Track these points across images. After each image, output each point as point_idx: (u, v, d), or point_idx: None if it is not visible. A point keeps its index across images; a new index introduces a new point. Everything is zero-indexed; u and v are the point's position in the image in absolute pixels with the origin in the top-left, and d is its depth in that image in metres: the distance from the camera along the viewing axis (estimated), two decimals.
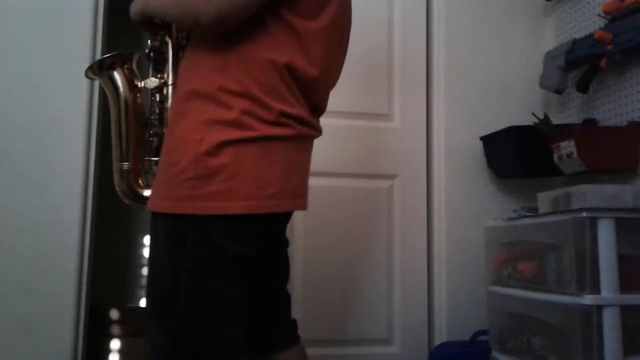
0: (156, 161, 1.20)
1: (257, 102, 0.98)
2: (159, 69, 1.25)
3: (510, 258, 1.77)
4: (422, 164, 2.12)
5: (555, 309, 1.51)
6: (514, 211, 1.89)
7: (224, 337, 0.99)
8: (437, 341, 2.00)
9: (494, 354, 1.77)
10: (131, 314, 2.13)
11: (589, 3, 1.96)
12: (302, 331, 1.93)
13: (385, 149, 2.10)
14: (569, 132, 1.73)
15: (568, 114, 2.08)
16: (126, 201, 1.29)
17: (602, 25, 1.78)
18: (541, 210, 1.71)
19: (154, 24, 1.19)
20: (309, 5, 1.03)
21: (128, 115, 1.26)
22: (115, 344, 2.06)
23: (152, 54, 1.24)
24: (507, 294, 1.73)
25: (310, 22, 1.03)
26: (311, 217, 1.96)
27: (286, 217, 1.19)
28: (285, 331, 1.20)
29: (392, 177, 2.10)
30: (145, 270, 1.08)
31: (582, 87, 1.84)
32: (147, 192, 1.24)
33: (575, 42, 1.87)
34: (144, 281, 2.52)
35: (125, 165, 1.27)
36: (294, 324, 1.23)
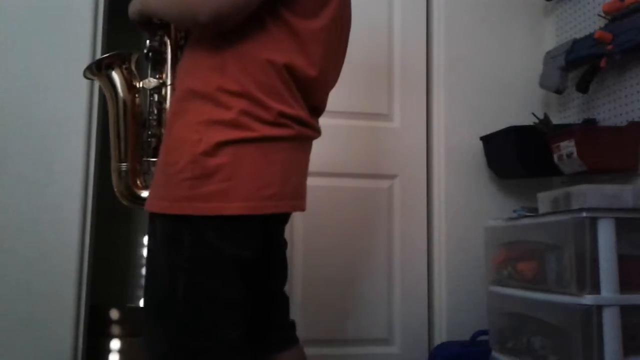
0: (154, 162, 1.19)
1: (256, 102, 0.97)
2: (158, 69, 1.25)
3: (510, 258, 1.77)
4: (422, 164, 2.12)
5: (555, 309, 1.51)
6: (514, 211, 1.89)
7: (222, 338, 0.98)
8: (437, 341, 2.00)
9: (494, 354, 1.77)
10: (131, 314, 2.13)
11: (589, 3, 1.96)
12: (302, 331, 1.93)
13: (385, 149, 2.10)
14: (569, 132, 1.73)
15: (568, 114, 2.08)
16: (124, 202, 1.29)
17: (602, 25, 1.78)
18: (541, 210, 1.71)
19: (153, 24, 1.19)
20: (308, 4, 1.02)
21: (126, 115, 1.26)
22: (115, 344, 2.06)
23: (150, 54, 1.24)
24: (507, 294, 1.73)
25: (310, 22, 1.02)
26: (311, 217, 1.96)
27: (284, 218, 1.18)
28: (283, 332, 1.19)
29: (392, 177, 2.10)
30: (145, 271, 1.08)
31: (582, 87, 1.84)
32: (145, 193, 1.24)
33: (575, 42, 1.87)
34: (143, 281, 2.51)
35: (124, 165, 1.26)
36: (292, 325, 1.22)
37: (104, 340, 2.05)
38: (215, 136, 0.96)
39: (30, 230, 1.76)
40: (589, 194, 1.51)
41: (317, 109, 1.13)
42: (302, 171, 1.09)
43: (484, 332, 1.84)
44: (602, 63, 1.74)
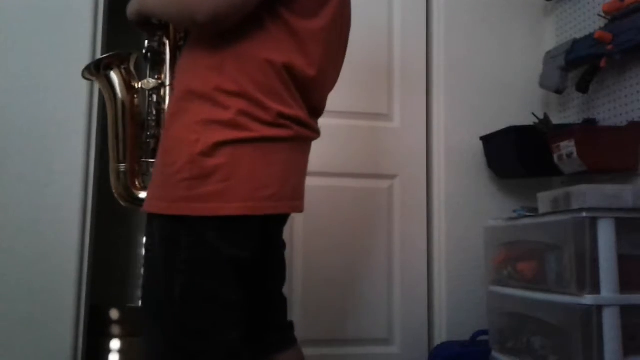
0: (153, 163, 1.19)
1: (254, 102, 0.97)
2: (157, 70, 1.25)
3: (510, 258, 1.77)
4: (422, 164, 2.12)
5: (555, 309, 1.51)
6: (514, 211, 1.89)
7: (220, 338, 0.98)
8: (437, 341, 2.00)
9: (494, 354, 1.76)
10: (131, 314, 2.13)
11: (589, 3, 1.96)
12: (302, 331, 1.93)
13: (385, 149, 2.10)
14: (569, 132, 1.73)
15: (568, 114, 2.08)
16: (122, 203, 1.28)
17: (602, 25, 1.77)
18: (541, 210, 1.71)
19: (152, 25, 1.19)
20: (308, 4, 1.02)
21: (125, 116, 1.26)
22: (115, 344, 2.06)
23: (149, 54, 1.23)
24: (507, 294, 1.73)
25: (309, 22, 1.02)
26: (311, 217, 1.96)
27: (283, 219, 1.17)
28: (281, 333, 1.19)
29: (392, 177, 2.10)
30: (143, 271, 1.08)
31: (582, 87, 1.84)
32: (143, 194, 1.23)
33: (575, 42, 1.87)
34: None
35: (122, 166, 1.26)
36: (290, 326, 1.22)
37: (104, 340, 2.05)
38: (213, 136, 0.95)
39: (30, 230, 1.76)
40: (589, 194, 1.51)
41: (317, 109, 1.12)
42: (301, 172, 1.08)
43: (484, 332, 1.84)
44: (602, 63, 1.74)
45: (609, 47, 1.70)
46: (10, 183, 1.77)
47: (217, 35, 0.99)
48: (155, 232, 1.01)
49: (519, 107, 2.11)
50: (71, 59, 1.82)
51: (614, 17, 1.72)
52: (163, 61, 1.23)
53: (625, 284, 1.40)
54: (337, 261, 2.01)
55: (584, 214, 1.42)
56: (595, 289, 1.39)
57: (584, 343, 1.40)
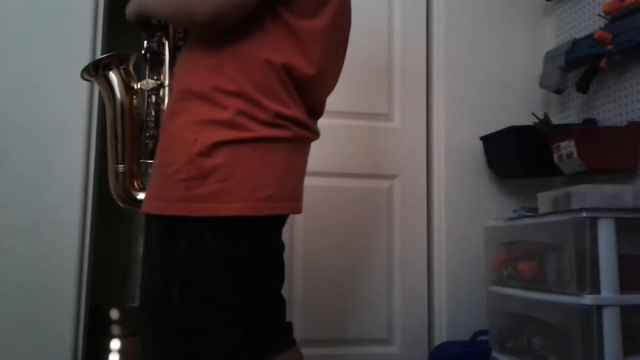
0: (152, 164, 1.17)
1: (253, 102, 0.96)
2: (156, 71, 1.24)
3: (510, 258, 1.77)
4: (422, 164, 2.12)
5: (555, 309, 1.51)
6: (514, 211, 1.89)
7: (218, 339, 0.97)
8: (437, 341, 2.00)
9: (494, 354, 1.76)
10: (131, 314, 2.13)
11: (589, 3, 1.96)
12: (302, 331, 1.93)
13: (385, 149, 2.10)
14: (569, 132, 1.73)
15: (568, 114, 2.08)
16: (121, 204, 1.28)
17: (602, 25, 1.78)
18: (541, 210, 1.71)
19: (151, 25, 1.18)
20: (308, 4, 1.01)
21: (124, 117, 1.25)
22: (115, 344, 2.06)
23: (148, 55, 1.23)
24: (507, 294, 1.73)
25: (309, 22, 1.02)
26: (311, 217, 1.96)
27: (282, 219, 1.16)
28: (280, 334, 1.19)
29: (392, 177, 2.10)
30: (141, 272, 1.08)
31: (582, 87, 1.84)
32: (142, 195, 1.23)
33: (575, 42, 1.87)
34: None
35: (121, 167, 1.26)
36: (289, 326, 1.22)
37: (104, 340, 2.05)
38: (211, 136, 0.95)
39: (30, 230, 1.76)
40: (589, 194, 1.51)
41: (316, 110, 1.11)
42: (299, 173, 1.08)
43: (484, 332, 1.84)
44: (602, 63, 1.74)
45: (609, 47, 1.70)
46: (10, 183, 1.77)
47: (216, 35, 0.98)
48: (153, 232, 1.00)
49: (519, 107, 2.11)
50: (71, 59, 1.82)
51: (614, 17, 1.72)
52: (162, 62, 1.23)
53: (625, 284, 1.40)
54: (337, 261, 2.01)
55: (584, 214, 1.42)
56: (595, 289, 1.39)
57: (584, 343, 1.40)
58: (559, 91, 1.94)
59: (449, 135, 2.10)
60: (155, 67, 1.24)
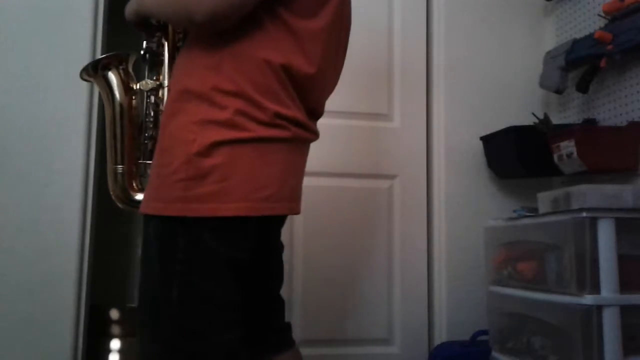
0: (150, 164, 1.17)
1: (252, 102, 0.96)
2: (155, 71, 1.24)
3: (510, 258, 1.77)
4: (422, 164, 2.12)
5: (555, 309, 1.51)
6: (514, 211, 1.89)
7: (217, 340, 0.97)
8: (437, 341, 2.00)
9: (494, 354, 1.76)
10: (131, 314, 2.13)
11: (589, 3, 1.96)
12: (302, 331, 1.93)
13: (385, 149, 2.10)
14: (569, 132, 1.73)
15: (568, 114, 2.08)
16: (120, 205, 1.28)
17: (602, 25, 1.78)
18: (541, 210, 1.71)
19: (150, 25, 1.18)
20: (307, 4, 1.01)
21: (123, 117, 1.25)
22: (115, 344, 2.06)
23: (147, 55, 1.23)
24: (507, 294, 1.73)
25: (308, 22, 1.01)
26: (311, 217, 1.96)
27: (281, 220, 1.16)
28: (279, 334, 1.18)
29: (392, 177, 2.09)
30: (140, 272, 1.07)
31: (582, 87, 1.84)
32: (140, 196, 1.23)
33: (575, 42, 1.87)
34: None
35: (120, 168, 1.25)
36: (288, 327, 1.22)
37: (104, 340, 2.05)
38: (209, 136, 0.94)
39: (30, 230, 1.76)
40: (589, 194, 1.51)
41: (315, 111, 1.11)
42: (299, 173, 1.07)
43: (484, 332, 1.84)
44: (602, 63, 1.74)
45: (609, 47, 1.70)
46: (10, 183, 1.77)
47: (215, 34, 0.98)
48: (152, 233, 1.00)
49: (519, 107, 2.11)
50: (71, 59, 1.82)
51: (614, 17, 1.72)
52: (161, 62, 1.23)
53: (625, 284, 1.40)
54: (337, 261, 2.01)
55: (584, 214, 1.42)
56: (595, 289, 1.39)
57: (584, 343, 1.39)
58: (559, 91, 1.94)
59: (449, 135, 2.10)
60: (155, 67, 1.24)
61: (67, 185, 1.80)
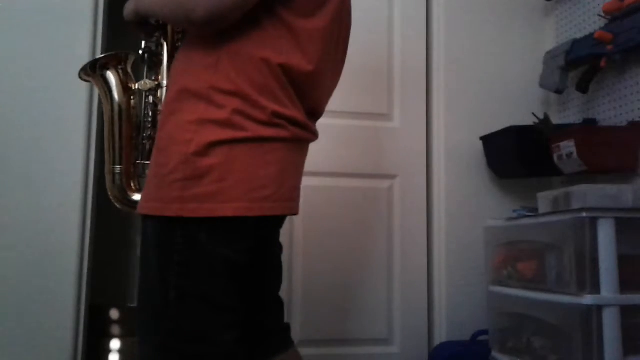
0: (149, 164, 1.18)
1: (249, 101, 0.95)
2: (154, 71, 1.24)
3: (510, 258, 1.77)
4: (422, 164, 2.12)
5: (555, 309, 1.51)
6: (514, 211, 1.89)
7: (215, 341, 0.97)
8: (437, 341, 2.00)
9: (494, 354, 1.76)
10: (131, 314, 2.12)
11: (589, 3, 1.96)
12: (302, 331, 1.93)
13: (385, 149, 2.09)
14: (569, 132, 1.73)
15: (568, 114, 2.08)
16: (117, 205, 1.27)
17: (602, 25, 1.77)
18: (541, 210, 1.71)
19: (149, 25, 1.18)
20: (306, 3, 1.01)
21: (121, 117, 1.25)
22: (115, 344, 2.06)
23: (146, 55, 1.23)
24: (507, 294, 1.73)
25: (307, 21, 1.01)
26: (311, 217, 1.96)
27: (280, 221, 1.15)
28: (278, 335, 1.18)
29: (392, 177, 2.09)
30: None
31: (582, 87, 1.84)
32: (138, 196, 1.22)
33: (575, 42, 1.87)
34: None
35: (118, 168, 1.25)
36: (287, 328, 1.21)
37: (104, 340, 2.05)
38: (207, 136, 0.94)
39: (30, 230, 1.76)
40: (589, 194, 1.51)
41: (315, 111, 1.10)
42: (297, 174, 1.06)
43: (484, 332, 1.84)
44: (602, 63, 1.74)
45: (609, 47, 1.70)
46: (10, 183, 1.77)
47: (213, 34, 0.98)
48: (149, 233, 0.99)
49: (519, 107, 2.11)
50: (71, 59, 1.82)
51: (614, 17, 1.72)
52: (160, 62, 1.23)
53: (625, 284, 1.40)
54: (336, 261, 2.01)
55: (584, 214, 1.42)
56: (595, 289, 1.39)
57: (584, 343, 1.39)
58: (559, 91, 1.94)
59: (449, 135, 2.10)
60: (154, 67, 1.24)
61: (67, 185, 1.80)
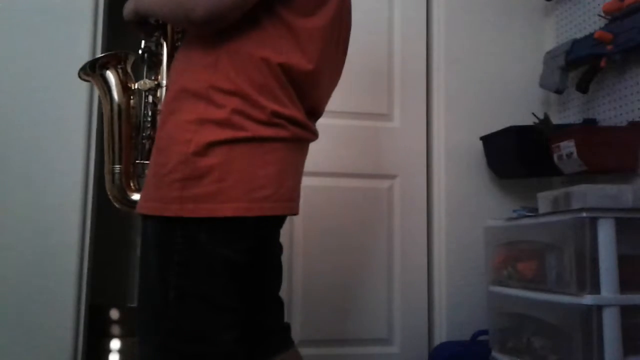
0: (148, 164, 1.18)
1: (249, 101, 0.95)
2: (153, 71, 1.24)
3: (510, 258, 1.77)
4: (422, 164, 2.12)
5: (555, 309, 1.51)
6: (514, 211, 1.89)
7: (215, 341, 0.97)
8: (437, 341, 2.00)
9: (494, 354, 1.76)
10: (131, 314, 2.12)
11: (589, 3, 1.96)
12: (302, 331, 1.93)
13: (385, 149, 2.09)
14: (569, 132, 1.73)
15: (568, 114, 2.08)
16: (117, 205, 1.27)
17: (602, 25, 1.77)
18: (541, 210, 1.71)
19: (149, 25, 1.18)
20: (306, 2, 1.01)
21: (120, 117, 1.24)
22: (115, 344, 2.06)
23: (146, 55, 1.23)
24: (507, 294, 1.73)
25: (307, 20, 1.01)
26: (311, 217, 1.96)
27: (280, 221, 1.15)
28: (278, 335, 1.18)
29: (392, 177, 2.09)
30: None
31: (582, 87, 1.84)
32: (137, 196, 1.22)
33: (575, 42, 1.87)
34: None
35: (117, 168, 1.25)
36: (287, 328, 1.21)
37: (104, 340, 2.05)
38: (206, 136, 0.94)
39: (30, 230, 1.76)
40: (589, 194, 1.51)
41: (315, 111, 1.10)
42: (297, 174, 1.06)
43: (484, 332, 1.84)
44: (602, 63, 1.74)
45: (609, 47, 1.70)
46: (10, 183, 1.77)
47: (213, 33, 0.98)
48: (149, 233, 0.99)
49: (519, 107, 2.11)
50: (71, 59, 1.82)
51: (614, 17, 1.72)
52: (160, 62, 1.23)
53: (625, 284, 1.40)
54: (336, 261, 2.01)
55: (584, 214, 1.42)
56: (595, 289, 1.39)
57: (584, 343, 1.39)
58: (559, 91, 1.94)
59: (449, 135, 2.10)
60: (153, 67, 1.24)
61: (67, 185, 1.80)
